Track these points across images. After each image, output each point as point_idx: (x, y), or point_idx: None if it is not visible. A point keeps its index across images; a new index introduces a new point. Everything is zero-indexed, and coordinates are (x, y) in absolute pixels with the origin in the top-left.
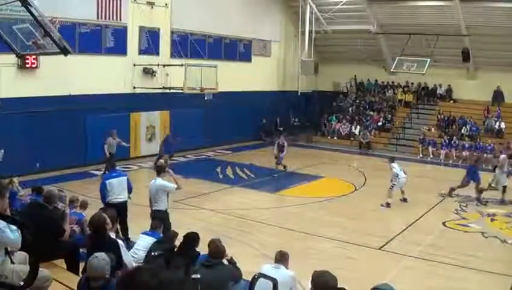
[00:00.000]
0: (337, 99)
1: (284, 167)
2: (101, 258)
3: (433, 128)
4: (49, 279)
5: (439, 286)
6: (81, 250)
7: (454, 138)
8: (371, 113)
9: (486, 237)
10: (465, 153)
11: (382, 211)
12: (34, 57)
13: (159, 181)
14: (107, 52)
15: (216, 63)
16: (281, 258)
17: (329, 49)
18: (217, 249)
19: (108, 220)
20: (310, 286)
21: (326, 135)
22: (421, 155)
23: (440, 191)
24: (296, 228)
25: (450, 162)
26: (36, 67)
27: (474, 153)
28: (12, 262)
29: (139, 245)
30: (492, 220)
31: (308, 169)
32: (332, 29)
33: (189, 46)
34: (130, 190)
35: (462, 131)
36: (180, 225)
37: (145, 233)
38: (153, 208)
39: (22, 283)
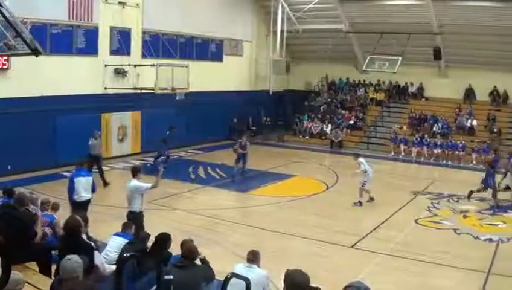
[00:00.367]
0: (308, 99)
1: (243, 171)
2: (74, 260)
3: (404, 127)
4: (22, 282)
5: (411, 283)
6: (53, 252)
7: (426, 135)
8: (343, 112)
9: (459, 234)
10: (436, 151)
11: (354, 209)
12: (5, 58)
13: (133, 183)
14: (78, 53)
15: (187, 63)
16: (253, 257)
17: (301, 48)
18: (189, 250)
19: (83, 223)
20: (283, 285)
21: (298, 134)
22: (392, 153)
23: (412, 189)
24: (269, 227)
25: (422, 159)
26: (7, 68)
27: (488, 156)
28: None
29: (111, 246)
30: (464, 217)
31: (280, 168)
32: (304, 29)
33: (160, 46)
34: (93, 190)
35: (434, 129)
36: (152, 226)
37: (116, 234)
38: (128, 209)
39: None
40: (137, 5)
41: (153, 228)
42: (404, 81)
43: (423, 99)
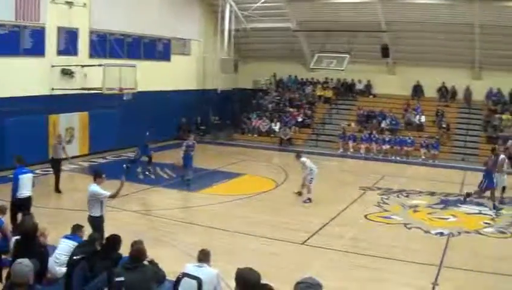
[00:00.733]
0: (256, 97)
1: (187, 180)
2: (25, 264)
3: (353, 123)
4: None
5: (363, 278)
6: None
7: (374, 132)
8: (291, 109)
9: (409, 229)
10: (385, 147)
11: (304, 206)
12: None
13: (92, 188)
14: (25, 54)
15: (135, 63)
16: (204, 257)
17: (249, 47)
18: (138, 251)
19: (40, 227)
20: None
21: (247, 132)
22: (341, 150)
23: (361, 185)
24: (219, 226)
25: (371, 156)
26: None
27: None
28: None
29: (61, 249)
30: (414, 211)
31: (229, 167)
32: (251, 27)
33: (107, 46)
34: (32, 186)
35: (382, 125)
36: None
37: (65, 237)
38: (88, 213)
39: None
40: (84, 4)
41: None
42: (352, 79)
43: (371, 96)
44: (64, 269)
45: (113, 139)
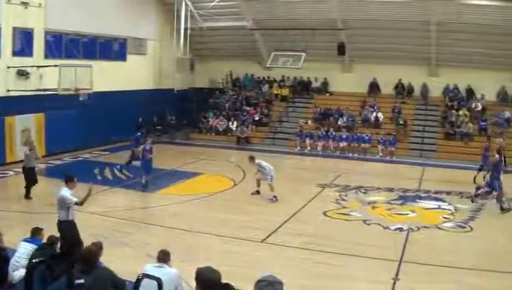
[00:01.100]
0: (213, 96)
1: (145, 183)
2: None
3: (309, 121)
4: None
5: (324, 275)
6: None
7: (331, 129)
8: (248, 108)
9: (369, 225)
10: (342, 144)
11: (262, 204)
12: None
13: (62, 192)
14: None
15: (91, 63)
16: (164, 257)
17: (205, 46)
18: (88, 254)
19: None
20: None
21: (204, 131)
22: (298, 148)
23: (319, 182)
24: (179, 226)
25: (328, 153)
26: None
27: (496, 156)
28: None
29: (20, 253)
30: (373, 207)
31: (187, 166)
32: (208, 26)
33: (63, 46)
34: None
35: (339, 122)
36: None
37: (25, 240)
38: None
39: None
40: (39, 4)
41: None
42: (308, 77)
43: (328, 94)
44: (22, 273)
45: (70, 140)
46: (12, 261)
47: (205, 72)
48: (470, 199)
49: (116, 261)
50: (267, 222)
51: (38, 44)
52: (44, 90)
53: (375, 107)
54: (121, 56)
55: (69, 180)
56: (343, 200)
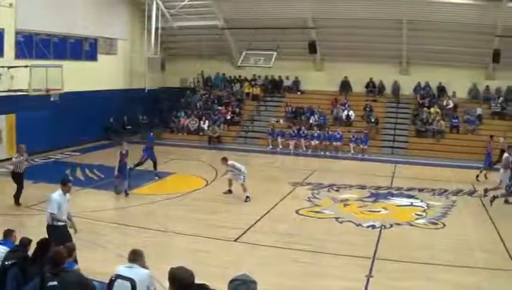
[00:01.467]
0: (185, 95)
1: (126, 190)
2: None
3: (281, 120)
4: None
5: (297, 273)
6: None
7: (303, 128)
8: (219, 107)
9: (341, 222)
10: (314, 143)
11: (235, 203)
12: None
13: (52, 196)
14: None
15: (61, 63)
16: (135, 257)
17: (176, 45)
18: (56, 256)
19: None
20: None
21: (176, 131)
22: (270, 147)
23: (292, 181)
24: (151, 226)
25: (300, 151)
26: None
27: (506, 155)
28: None
29: None
30: (345, 205)
31: (159, 166)
32: (178, 26)
33: (34, 46)
34: None
35: (311, 121)
36: (33, 232)
37: None
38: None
39: None
40: (10, 4)
41: (33, 233)
42: (279, 76)
43: (299, 93)
44: None
45: (42, 141)
46: None
47: (176, 72)
48: (490, 202)
49: (90, 262)
50: (240, 220)
51: (9, 44)
52: (15, 90)
53: (347, 106)
54: (91, 56)
55: (64, 185)
56: (316, 198)
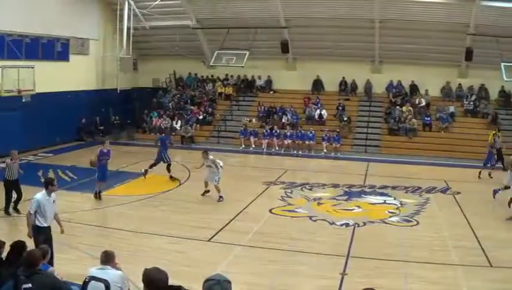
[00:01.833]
0: (157, 95)
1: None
2: None
3: (254, 119)
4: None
5: (272, 271)
6: None
7: (276, 127)
8: (192, 107)
9: (315, 221)
10: (286, 142)
11: (208, 203)
12: None
13: (35, 197)
14: None
15: (33, 64)
16: (107, 258)
17: (149, 45)
18: (30, 258)
19: None
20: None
21: (148, 131)
22: (243, 146)
23: (265, 180)
24: (125, 227)
25: (273, 150)
26: None
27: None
28: None
29: None
30: (319, 204)
31: (132, 167)
32: (151, 26)
33: (5, 47)
34: None
35: (283, 120)
36: (6, 234)
37: None
38: None
39: None
40: None
41: (6, 235)
42: (252, 75)
43: (271, 92)
44: None
45: (14, 142)
46: None
47: (148, 72)
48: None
49: (63, 264)
50: (214, 220)
51: None
52: None
53: (319, 105)
54: (63, 56)
55: (49, 184)
56: (289, 197)
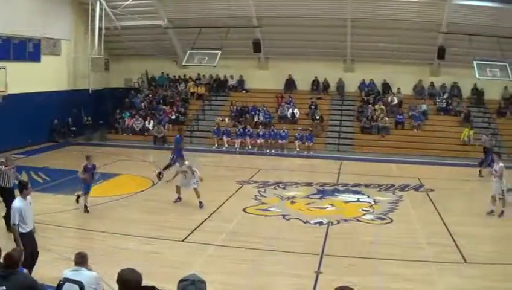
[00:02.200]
0: (129, 96)
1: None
2: None
3: (226, 119)
4: None
5: (247, 271)
6: None
7: (248, 126)
8: (164, 107)
9: (288, 220)
10: (259, 141)
11: (182, 203)
12: None
13: (13, 204)
14: None
15: (4, 65)
16: (81, 260)
17: (120, 45)
18: (9, 258)
19: None
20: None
21: (121, 132)
22: (216, 146)
23: (238, 179)
24: (98, 228)
25: (246, 150)
26: None
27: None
28: None
29: None
30: (292, 202)
31: (104, 167)
32: (122, 26)
33: None
34: None
35: (256, 119)
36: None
37: None
38: None
39: None
40: None
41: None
42: (224, 75)
43: (244, 91)
44: None
45: None
46: None
47: (120, 72)
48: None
49: (37, 266)
50: (187, 220)
51: None
52: None
53: (292, 104)
54: (35, 57)
55: (24, 188)
56: (262, 196)
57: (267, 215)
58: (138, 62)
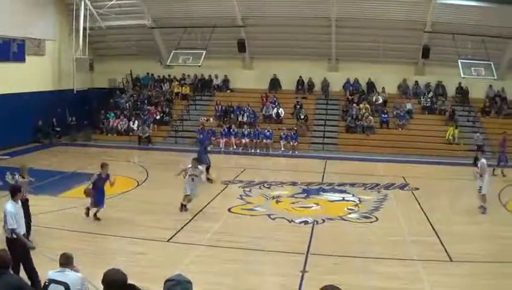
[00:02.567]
0: (113, 96)
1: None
2: None
3: (211, 119)
4: None
5: (233, 270)
6: None
7: (233, 126)
8: (149, 107)
9: (274, 219)
10: (244, 140)
11: (167, 203)
12: None
13: (6, 207)
14: None
15: None
16: (65, 261)
17: (105, 45)
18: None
19: None
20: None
21: (105, 132)
22: None
23: (223, 179)
24: (83, 229)
25: (231, 149)
26: None
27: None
28: None
29: None
30: (277, 202)
31: (89, 168)
32: (107, 25)
33: None
34: None
35: (240, 119)
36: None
37: None
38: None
39: None
40: None
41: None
42: (209, 74)
43: (228, 91)
44: None
45: None
46: None
47: (105, 72)
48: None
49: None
50: (173, 221)
51: None
52: None
53: (276, 103)
54: (19, 57)
55: (15, 193)
56: (248, 195)
57: (252, 215)
58: (123, 62)
